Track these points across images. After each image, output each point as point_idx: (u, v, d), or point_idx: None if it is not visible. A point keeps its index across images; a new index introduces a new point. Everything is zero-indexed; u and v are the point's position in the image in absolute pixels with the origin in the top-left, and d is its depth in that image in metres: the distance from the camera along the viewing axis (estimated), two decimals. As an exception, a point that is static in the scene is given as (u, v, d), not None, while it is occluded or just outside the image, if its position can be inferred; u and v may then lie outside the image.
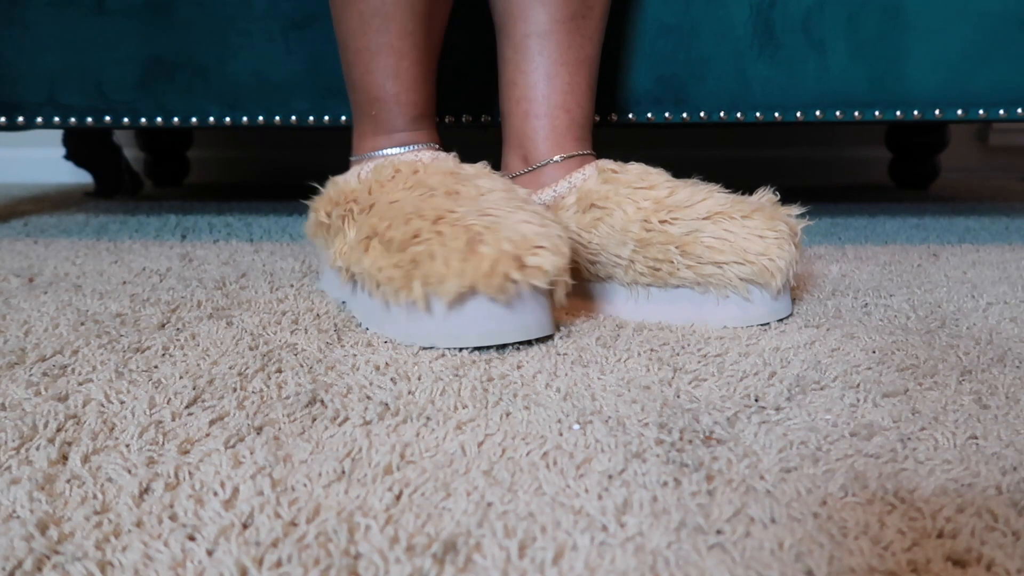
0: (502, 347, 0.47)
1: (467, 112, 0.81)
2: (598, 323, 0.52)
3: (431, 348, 0.46)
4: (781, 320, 0.53)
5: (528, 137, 0.58)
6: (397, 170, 0.53)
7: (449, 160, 0.54)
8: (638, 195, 0.52)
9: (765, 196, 0.54)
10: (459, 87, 0.80)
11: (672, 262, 0.50)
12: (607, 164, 0.56)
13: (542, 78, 0.58)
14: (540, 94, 0.58)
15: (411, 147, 0.56)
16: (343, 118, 0.81)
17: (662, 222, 0.51)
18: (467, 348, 0.46)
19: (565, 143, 0.58)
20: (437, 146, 0.58)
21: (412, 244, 0.46)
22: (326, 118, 0.83)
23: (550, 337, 0.48)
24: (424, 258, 0.45)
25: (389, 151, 0.56)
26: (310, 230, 0.58)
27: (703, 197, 0.52)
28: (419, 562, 0.25)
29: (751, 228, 0.50)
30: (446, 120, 0.81)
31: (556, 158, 0.57)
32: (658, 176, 0.55)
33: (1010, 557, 0.26)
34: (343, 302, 0.57)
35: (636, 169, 0.55)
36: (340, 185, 0.55)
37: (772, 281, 0.50)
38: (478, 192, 0.50)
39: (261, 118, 0.83)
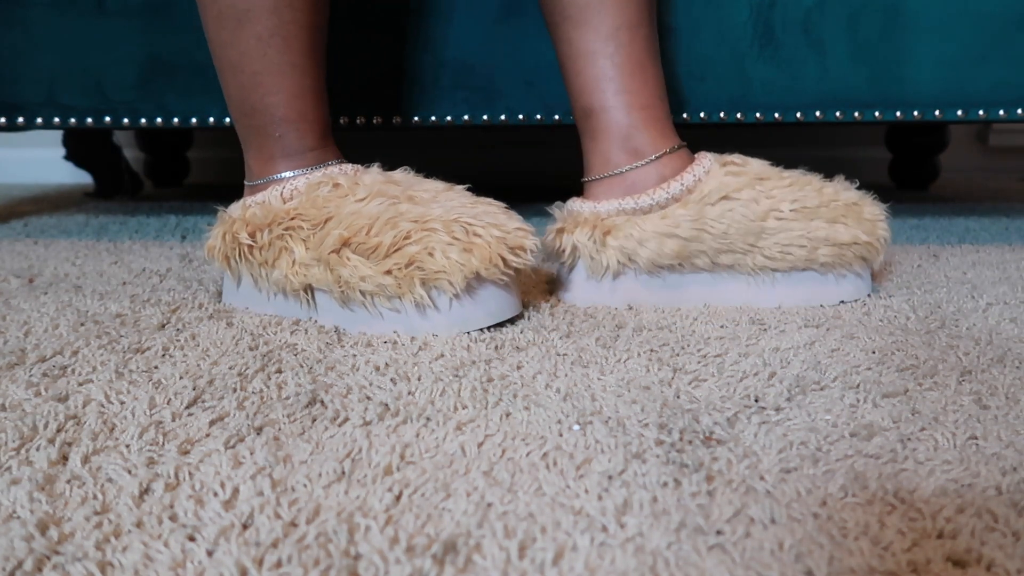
0: (501, 347, 0.47)
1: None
2: (598, 323, 0.52)
3: (431, 348, 0.46)
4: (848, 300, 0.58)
5: (637, 129, 0.57)
6: (336, 184, 0.52)
7: (378, 171, 0.55)
8: (766, 186, 0.56)
9: (848, 184, 0.59)
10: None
11: (804, 246, 0.56)
12: (725, 157, 0.58)
13: (638, 69, 0.57)
14: (638, 85, 0.58)
15: (327, 163, 0.55)
16: (342, 120, 0.81)
17: (791, 211, 0.56)
18: (472, 336, 0.46)
19: (669, 132, 0.58)
20: (344, 160, 0.57)
21: (405, 245, 0.48)
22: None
23: (520, 317, 0.53)
24: (422, 256, 0.48)
25: (300, 171, 0.54)
26: (218, 256, 0.55)
27: (819, 186, 0.57)
28: (419, 562, 0.25)
29: (858, 212, 0.57)
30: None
31: (667, 149, 0.57)
32: (773, 168, 0.58)
33: (1010, 557, 0.26)
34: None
35: (757, 162, 0.58)
36: (266, 206, 0.53)
37: (877, 257, 0.58)
38: (431, 196, 0.52)
39: (261, 118, 0.83)
